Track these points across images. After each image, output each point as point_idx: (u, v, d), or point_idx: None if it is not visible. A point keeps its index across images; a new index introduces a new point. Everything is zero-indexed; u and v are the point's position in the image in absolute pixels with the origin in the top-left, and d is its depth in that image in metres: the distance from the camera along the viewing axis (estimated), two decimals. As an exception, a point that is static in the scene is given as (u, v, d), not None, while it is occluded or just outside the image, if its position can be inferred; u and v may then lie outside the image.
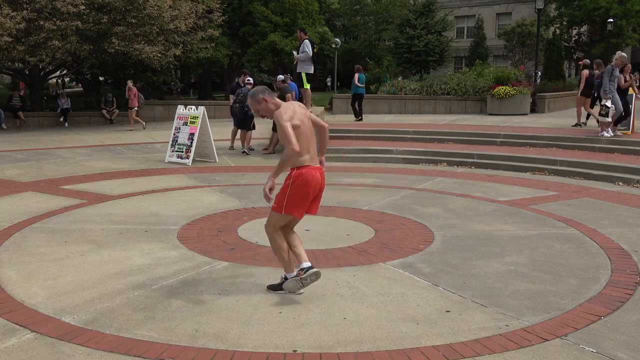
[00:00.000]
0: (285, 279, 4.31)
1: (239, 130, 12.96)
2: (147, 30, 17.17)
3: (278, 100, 4.23)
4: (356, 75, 17.66)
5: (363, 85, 17.79)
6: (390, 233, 6.13)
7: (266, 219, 4.32)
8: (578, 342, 3.57)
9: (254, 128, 13.11)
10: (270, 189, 4.12)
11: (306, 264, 4.20)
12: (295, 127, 4.02)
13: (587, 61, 14.82)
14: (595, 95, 13.54)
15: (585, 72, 14.02)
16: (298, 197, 4.12)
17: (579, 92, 14.37)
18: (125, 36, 16.99)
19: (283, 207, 4.13)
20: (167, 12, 16.87)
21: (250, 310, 4.04)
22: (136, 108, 17.83)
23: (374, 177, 9.81)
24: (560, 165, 10.36)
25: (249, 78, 13.03)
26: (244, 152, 12.78)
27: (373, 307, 4.11)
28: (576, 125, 14.32)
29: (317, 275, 4.17)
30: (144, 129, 17.55)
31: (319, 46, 26.57)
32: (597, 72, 13.52)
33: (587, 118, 14.59)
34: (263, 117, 4.25)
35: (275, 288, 4.40)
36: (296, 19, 25.99)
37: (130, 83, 18.27)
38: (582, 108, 14.32)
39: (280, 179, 4.13)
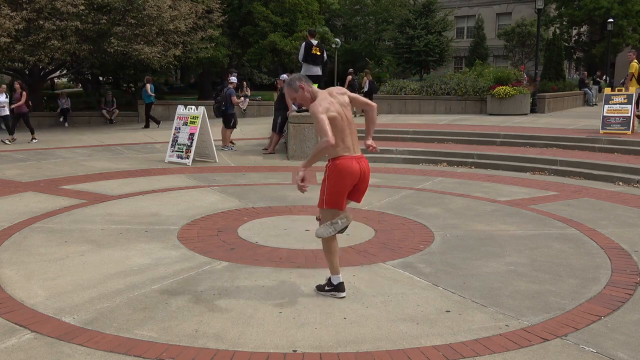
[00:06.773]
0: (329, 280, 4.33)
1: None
2: (146, 31, 17.17)
3: (314, 89, 4.08)
4: (147, 85, 18.52)
5: (154, 95, 18.91)
6: (390, 233, 6.13)
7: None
8: (578, 342, 3.57)
9: (234, 126, 13.55)
10: (302, 180, 3.98)
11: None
12: (331, 119, 3.90)
13: (352, 70, 19.31)
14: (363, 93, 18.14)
15: (349, 77, 18.39)
16: (335, 190, 4.05)
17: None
18: (124, 36, 17.00)
19: (324, 202, 4.09)
20: (166, 13, 16.89)
21: (250, 310, 4.04)
22: None
23: (374, 177, 9.72)
24: (560, 165, 10.35)
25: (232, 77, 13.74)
26: (222, 148, 13.10)
27: (373, 307, 4.11)
28: None
29: (348, 219, 4.12)
30: None
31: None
32: (365, 78, 18.01)
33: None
34: (300, 106, 4.12)
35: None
36: (296, 19, 25.98)
37: None
38: None
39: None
